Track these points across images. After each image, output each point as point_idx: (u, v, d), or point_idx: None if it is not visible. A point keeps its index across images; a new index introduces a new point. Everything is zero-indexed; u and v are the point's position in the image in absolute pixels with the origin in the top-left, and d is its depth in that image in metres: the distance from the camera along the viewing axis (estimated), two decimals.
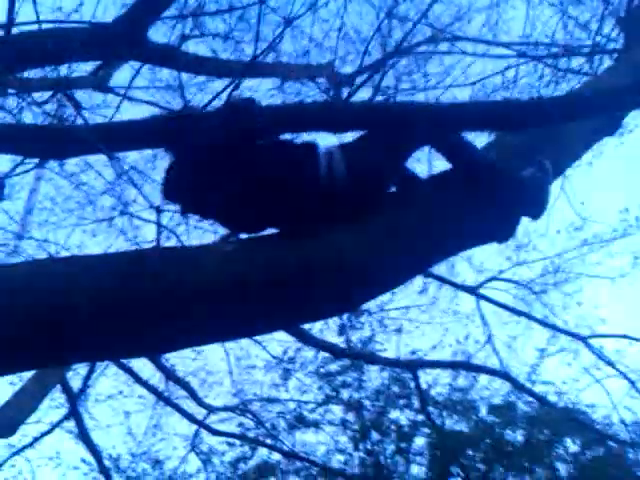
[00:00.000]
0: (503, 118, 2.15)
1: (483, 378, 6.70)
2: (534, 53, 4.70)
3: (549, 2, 4.52)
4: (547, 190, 2.35)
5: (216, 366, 6.92)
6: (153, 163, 6.10)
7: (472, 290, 6.15)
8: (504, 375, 6.09)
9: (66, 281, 1.94)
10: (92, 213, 6.49)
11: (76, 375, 6.50)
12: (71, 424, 6.51)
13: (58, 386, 6.36)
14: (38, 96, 5.35)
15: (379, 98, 5.10)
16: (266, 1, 3.91)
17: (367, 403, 6.86)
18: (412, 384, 6.29)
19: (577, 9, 4.73)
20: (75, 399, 6.37)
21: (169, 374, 6.56)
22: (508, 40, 5.16)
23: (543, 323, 6.02)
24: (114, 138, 2.08)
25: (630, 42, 3.52)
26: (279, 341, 6.46)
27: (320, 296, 2.17)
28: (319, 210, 2.22)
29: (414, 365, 6.05)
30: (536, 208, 2.35)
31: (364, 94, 5.10)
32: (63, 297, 1.89)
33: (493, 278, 6.32)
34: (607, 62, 4.08)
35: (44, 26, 3.92)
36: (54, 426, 6.44)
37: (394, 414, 6.90)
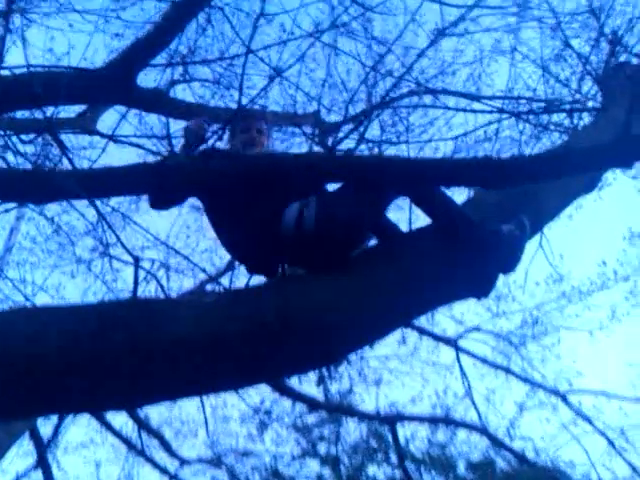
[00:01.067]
0: (483, 175, 2.16)
1: (462, 432, 6.62)
2: (516, 107, 4.83)
3: (530, 59, 4.67)
4: (522, 247, 2.37)
5: (191, 416, 6.77)
6: (137, 205, 6.10)
7: (452, 342, 6.13)
8: (483, 431, 6.03)
9: (37, 332, 1.88)
10: (72, 254, 6.44)
11: (46, 422, 6.32)
12: (38, 474, 6.27)
13: (27, 433, 6.16)
14: (23, 136, 5.39)
15: (363, 147, 5.20)
16: (254, 52, 3.99)
17: (344, 457, 6.71)
18: (390, 438, 6.18)
19: (558, 66, 4.90)
20: (44, 448, 6.15)
21: (142, 423, 6.39)
22: (490, 94, 5.31)
23: (522, 378, 6.00)
24: (96, 184, 2.06)
25: (608, 100, 3.63)
26: (256, 391, 6.36)
27: (299, 352, 2.14)
28: (288, 258, 2.27)
29: (393, 419, 5.97)
30: (509, 264, 2.37)
31: (349, 143, 5.21)
32: (34, 348, 1.84)
33: (473, 329, 6.33)
34: (587, 118, 4.20)
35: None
36: (20, 477, 6.19)
37: (371, 469, 6.76)
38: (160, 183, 2.16)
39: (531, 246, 2.91)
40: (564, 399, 5.48)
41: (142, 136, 5.14)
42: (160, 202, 2.39)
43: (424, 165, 2.26)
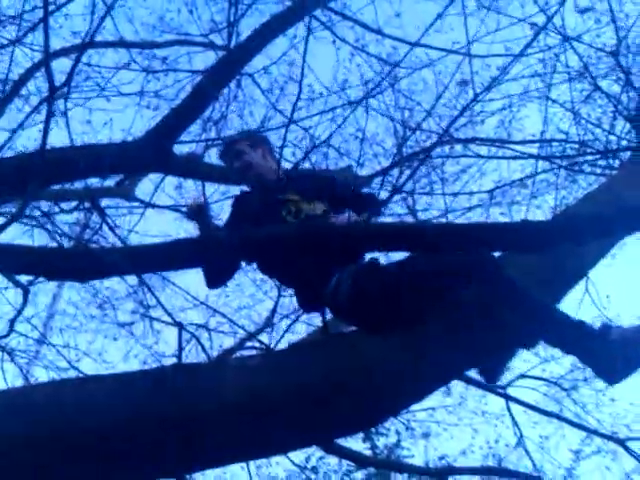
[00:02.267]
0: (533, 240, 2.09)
1: None
2: (548, 151, 4.81)
3: (560, 103, 4.67)
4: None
5: (236, 476, 6.68)
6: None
7: (500, 390, 5.97)
8: (539, 479, 5.78)
9: (86, 403, 1.91)
10: (113, 318, 6.54)
11: None
12: None
13: None
14: (64, 205, 5.58)
15: (397, 198, 5.22)
16: (296, 122, 4.10)
17: None
18: None
19: (588, 108, 4.90)
20: None
21: None
22: (521, 139, 5.31)
23: (576, 424, 5.78)
24: (141, 261, 2.11)
25: None
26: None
27: (349, 415, 2.12)
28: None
29: (444, 472, 5.78)
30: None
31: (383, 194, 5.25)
32: (82, 420, 1.87)
33: (521, 376, 6.15)
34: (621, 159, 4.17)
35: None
36: None
37: None
38: (209, 260, 2.21)
39: (577, 289, 2.84)
40: (624, 446, 5.23)
41: (177, 205, 5.26)
42: (215, 281, 2.48)
43: (463, 230, 2.20)
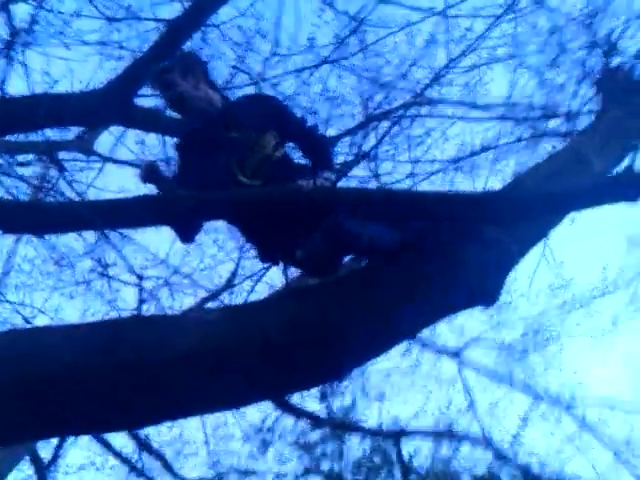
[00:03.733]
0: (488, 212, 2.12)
1: (466, 447, 6.57)
2: (513, 115, 4.85)
3: (526, 66, 4.69)
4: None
5: (192, 436, 6.70)
6: None
7: (455, 354, 6.12)
8: (487, 444, 5.99)
9: (40, 351, 1.88)
10: (71, 275, 6.42)
11: (46, 444, 6.25)
12: None
13: (27, 456, 6.09)
14: (22, 158, 5.41)
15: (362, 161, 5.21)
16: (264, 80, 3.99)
17: (348, 474, 6.65)
18: (394, 454, 6.14)
19: (553, 71, 4.93)
20: (44, 471, 6.08)
21: (143, 444, 6.33)
22: (487, 102, 5.33)
23: (524, 389, 5.98)
24: (102, 217, 2.03)
25: (606, 103, 3.66)
26: (258, 408, 6.31)
27: (303, 368, 2.14)
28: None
29: (397, 434, 5.93)
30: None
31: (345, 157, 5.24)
32: (40, 370, 1.84)
33: (474, 340, 6.31)
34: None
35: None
36: None
37: None
38: (170, 219, 2.17)
39: (534, 253, 2.90)
40: (568, 410, 5.45)
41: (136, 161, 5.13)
42: (184, 237, 2.39)
43: (426, 199, 2.20)
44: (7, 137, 4.83)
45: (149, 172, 2.26)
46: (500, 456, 6.09)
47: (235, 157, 2.37)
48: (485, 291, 2.38)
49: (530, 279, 4.12)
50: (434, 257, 2.31)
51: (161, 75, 2.48)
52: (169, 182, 2.32)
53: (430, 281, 2.25)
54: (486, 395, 6.30)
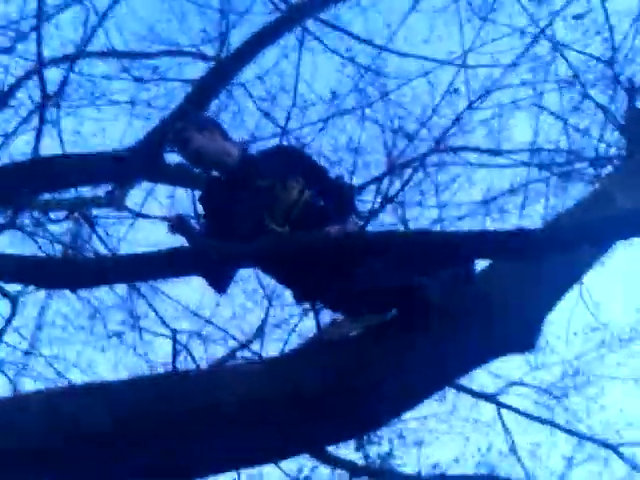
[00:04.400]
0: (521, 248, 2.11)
1: None
2: (538, 160, 4.84)
3: (550, 111, 4.71)
4: None
5: None
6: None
7: (492, 397, 5.98)
8: None
9: (86, 409, 1.90)
10: (103, 328, 6.48)
11: None
12: None
13: None
14: (54, 216, 5.55)
15: (388, 207, 5.23)
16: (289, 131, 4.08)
17: None
18: None
19: (577, 116, 4.94)
20: None
21: None
22: (511, 148, 5.34)
23: (568, 431, 5.80)
24: (133, 270, 2.08)
25: (633, 146, 3.63)
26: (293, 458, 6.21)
27: (340, 420, 2.11)
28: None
29: None
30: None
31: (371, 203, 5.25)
32: (83, 425, 1.85)
33: (512, 383, 6.17)
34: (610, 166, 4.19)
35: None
36: None
37: None
38: (202, 270, 2.19)
39: (571, 296, 2.86)
40: (616, 452, 5.25)
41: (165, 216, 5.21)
42: (218, 287, 2.41)
43: (460, 239, 2.20)
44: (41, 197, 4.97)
45: (178, 224, 2.31)
46: None
47: (263, 205, 2.40)
48: (524, 337, 2.33)
49: (567, 321, 4.05)
50: (470, 304, 2.28)
51: (177, 133, 2.51)
52: (198, 234, 2.36)
53: (468, 329, 2.22)
54: (527, 437, 6.14)
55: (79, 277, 2.14)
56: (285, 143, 4.75)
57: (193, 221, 2.53)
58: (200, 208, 2.57)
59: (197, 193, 4.90)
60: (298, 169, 2.48)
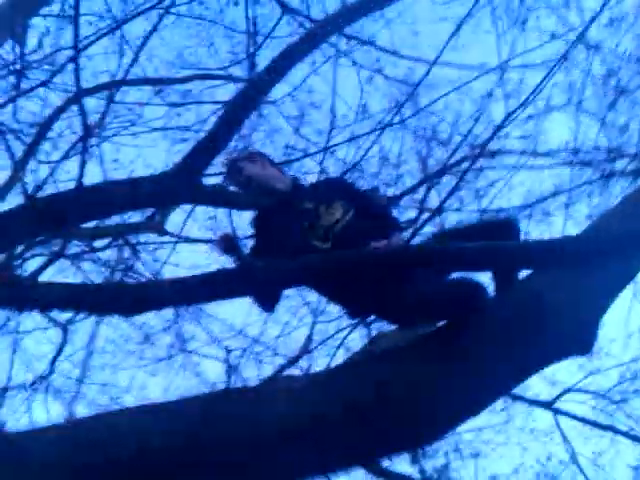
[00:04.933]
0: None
1: None
2: (578, 159, 4.75)
3: (586, 111, 4.62)
4: None
5: None
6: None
7: (548, 405, 5.81)
8: None
9: (142, 432, 1.92)
10: (152, 352, 6.56)
11: None
12: None
13: None
14: (97, 244, 5.67)
15: (424, 216, 5.18)
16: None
17: None
18: None
19: (614, 114, 4.83)
20: None
21: None
22: (549, 149, 5.25)
23: (631, 437, 5.58)
24: (182, 294, 2.11)
25: None
26: (347, 474, 6.13)
27: (397, 432, 2.08)
28: None
29: None
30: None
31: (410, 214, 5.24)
32: (136, 452, 1.86)
33: (568, 390, 5.98)
34: None
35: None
36: None
37: None
38: (249, 290, 2.23)
39: (625, 296, 2.76)
40: None
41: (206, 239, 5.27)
42: (266, 306, 2.48)
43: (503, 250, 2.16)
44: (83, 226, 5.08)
45: (226, 243, 2.34)
46: None
47: (307, 223, 2.48)
48: (579, 340, 2.27)
49: (622, 323, 3.91)
50: (523, 309, 2.23)
51: (230, 164, 2.72)
52: (244, 253, 2.40)
53: (522, 335, 2.17)
54: (588, 446, 5.93)
55: (131, 302, 2.17)
56: (332, 176, 4.85)
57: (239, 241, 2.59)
58: (250, 229, 2.68)
59: (236, 213, 4.97)
60: (343, 194, 2.60)
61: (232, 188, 2.90)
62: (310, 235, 2.46)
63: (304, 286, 2.59)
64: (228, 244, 2.34)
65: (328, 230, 2.45)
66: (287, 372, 6.13)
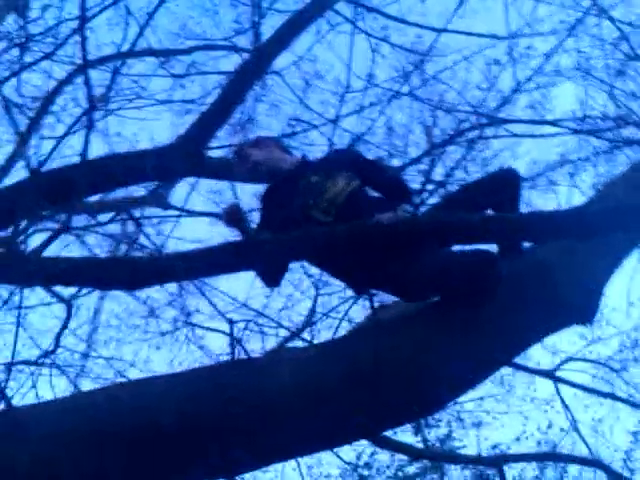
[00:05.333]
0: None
1: (573, 468, 6.23)
2: (585, 127, 4.70)
3: (593, 76, 4.56)
4: None
5: (288, 477, 6.68)
6: None
7: (549, 374, 5.84)
8: (597, 463, 5.63)
9: (152, 403, 1.95)
10: (156, 326, 6.60)
11: None
12: None
13: None
14: (101, 218, 5.67)
15: (430, 187, 5.16)
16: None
17: None
18: None
19: (622, 81, 4.76)
20: None
21: None
22: (556, 118, 5.18)
23: (631, 403, 5.62)
24: (189, 267, 2.11)
25: None
26: (351, 445, 6.22)
27: (398, 401, 2.11)
28: None
29: (498, 461, 5.68)
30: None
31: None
32: (142, 421, 1.91)
33: (569, 359, 6.01)
34: None
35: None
36: None
37: None
38: (255, 263, 2.23)
39: (628, 264, 2.77)
40: None
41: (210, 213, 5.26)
42: (270, 280, 2.50)
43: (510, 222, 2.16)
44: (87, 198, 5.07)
45: (233, 214, 2.35)
46: (613, 476, 5.73)
47: (312, 196, 2.46)
48: (582, 309, 2.28)
49: (624, 292, 3.92)
50: (527, 277, 2.23)
51: (238, 151, 2.73)
52: (250, 226, 2.40)
53: (527, 302, 2.18)
54: (588, 414, 5.99)
55: (135, 276, 2.19)
56: (341, 147, 4.81)
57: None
58: (257, 205, 2.71)
59: (240, 186, 4.96)
60: (349, 166, 2.57)
61: (241, 175, 2.87)
62: (313, 209, 2.44)
63: (307, 261, 2.59)
64: (235, 216, 2.35)
65: (330, 203, 2.44)
66: (290, 344, 6.19)
